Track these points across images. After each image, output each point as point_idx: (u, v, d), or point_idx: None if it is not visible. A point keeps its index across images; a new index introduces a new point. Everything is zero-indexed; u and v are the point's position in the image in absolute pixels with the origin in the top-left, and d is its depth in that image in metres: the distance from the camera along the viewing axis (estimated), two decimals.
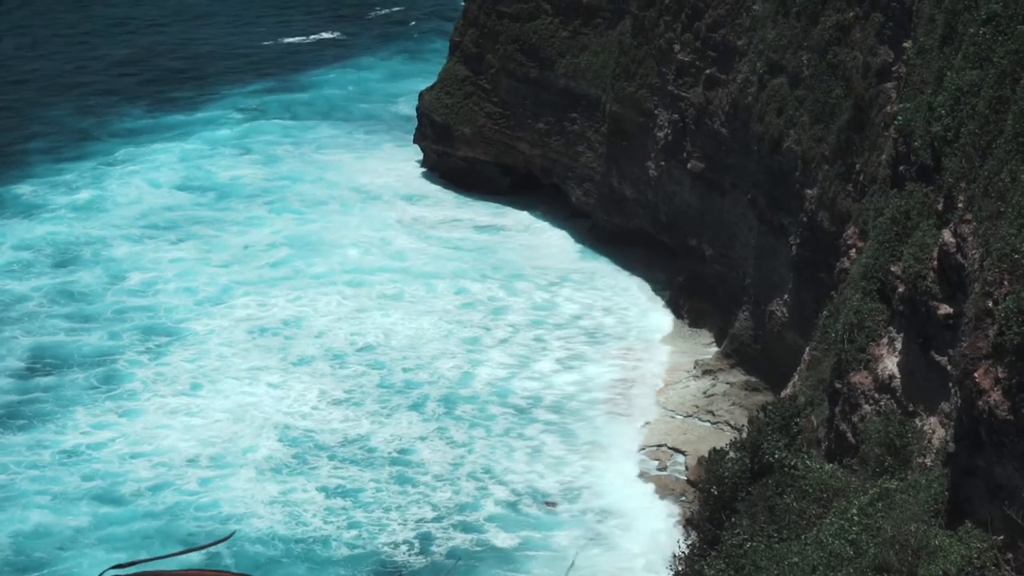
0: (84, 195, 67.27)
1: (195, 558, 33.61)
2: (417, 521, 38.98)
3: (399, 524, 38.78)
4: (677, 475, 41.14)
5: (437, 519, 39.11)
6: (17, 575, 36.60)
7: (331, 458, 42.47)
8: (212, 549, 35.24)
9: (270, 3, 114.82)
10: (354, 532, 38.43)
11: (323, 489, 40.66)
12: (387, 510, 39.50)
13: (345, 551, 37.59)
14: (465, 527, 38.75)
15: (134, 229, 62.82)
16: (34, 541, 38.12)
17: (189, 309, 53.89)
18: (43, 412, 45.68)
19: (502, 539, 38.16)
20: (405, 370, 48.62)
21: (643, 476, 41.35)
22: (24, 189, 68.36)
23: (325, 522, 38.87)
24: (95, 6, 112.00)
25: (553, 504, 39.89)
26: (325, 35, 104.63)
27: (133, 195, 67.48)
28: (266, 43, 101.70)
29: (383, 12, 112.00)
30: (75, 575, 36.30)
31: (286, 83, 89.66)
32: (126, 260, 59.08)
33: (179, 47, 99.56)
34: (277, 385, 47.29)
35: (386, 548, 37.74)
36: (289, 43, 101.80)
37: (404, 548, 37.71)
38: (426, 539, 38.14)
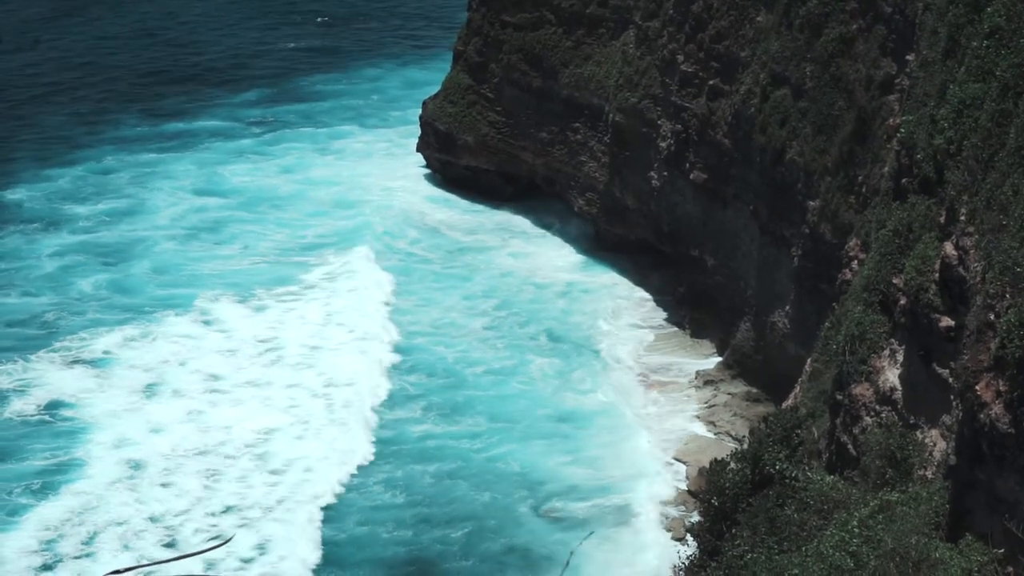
0: (101, 206, 67.32)
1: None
2: (449, 522, 39.16)
3: (446, 526, 38.86)
4: (678, 485, 41.13)
5: (467, 519, 39.19)
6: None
7: (371, 463, 42.55)
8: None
9: (266, 10, 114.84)
10: (398, 534, 38.43)
11: (367, 490, 40.80)
12: (431, 509, 39.65)
13: (385, 554, 37.58)
14: (481, 533, 38.87)
15: (150, 233, 63.25)
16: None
17: (202, 313, 54.23)
18: None
19: (528, 543, 38.26)
20: (430, 375, 48.90)
21: (643, 486, 41.34)
22: (19, 194, 68.59)
23: (371, 525, 38.92)
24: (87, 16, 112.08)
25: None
26: (321, 43, 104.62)
27: (150, 204, 67.66)
28: (261, 48, 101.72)
29: (379, 24, 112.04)
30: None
31: (283, 90, 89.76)
32: (145, 263, 59.84)
33: (175, 54, 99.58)
34: (313, 391, 47.49)
35: (429, 544, 37.78)
36: (285, 50, 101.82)
37: (440, 549, 37.80)
38: (450, 541, 38.32)
